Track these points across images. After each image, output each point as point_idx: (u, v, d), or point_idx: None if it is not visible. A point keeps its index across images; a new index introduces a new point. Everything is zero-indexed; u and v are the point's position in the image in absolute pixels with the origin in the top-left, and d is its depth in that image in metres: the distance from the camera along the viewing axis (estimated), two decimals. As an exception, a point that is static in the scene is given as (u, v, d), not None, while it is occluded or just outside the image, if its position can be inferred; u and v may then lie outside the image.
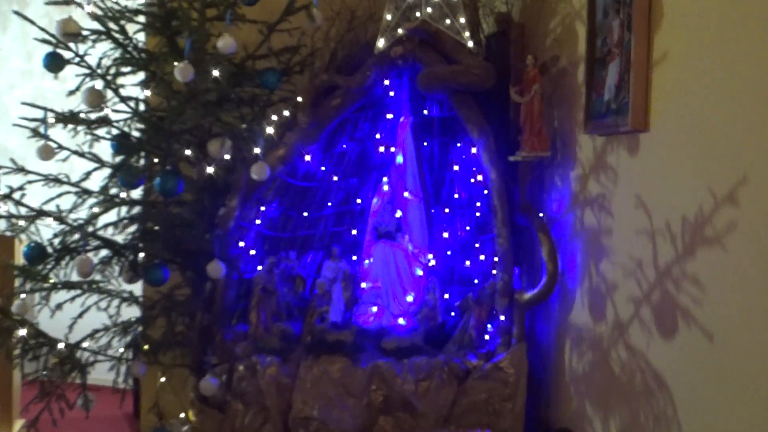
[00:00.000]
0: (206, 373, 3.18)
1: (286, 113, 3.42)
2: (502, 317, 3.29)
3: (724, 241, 2.30)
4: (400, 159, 3.71)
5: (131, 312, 3.37)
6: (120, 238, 3.27)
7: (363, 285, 3.64)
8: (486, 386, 3.19)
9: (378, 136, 3.71)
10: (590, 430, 3.07)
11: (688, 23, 2.51)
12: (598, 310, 3.04)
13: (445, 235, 3.66)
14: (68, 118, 3.15)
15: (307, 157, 3.54)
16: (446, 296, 3.57)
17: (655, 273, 2.65)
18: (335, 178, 3.70)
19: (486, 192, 3.46)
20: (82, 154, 3.22)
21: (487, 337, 3.35)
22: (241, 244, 3.46)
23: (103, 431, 4.59)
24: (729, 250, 2.29)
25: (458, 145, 3.65)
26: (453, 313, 3.54)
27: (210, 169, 3.12)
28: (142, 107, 3.27)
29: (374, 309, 3.59)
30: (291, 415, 3.16)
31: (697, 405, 2.43)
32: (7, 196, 3.11)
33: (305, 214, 3.71)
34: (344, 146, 3.72)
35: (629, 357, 2.81)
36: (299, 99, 3.43)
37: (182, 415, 3.33)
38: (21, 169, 3.17)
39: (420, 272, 3.63)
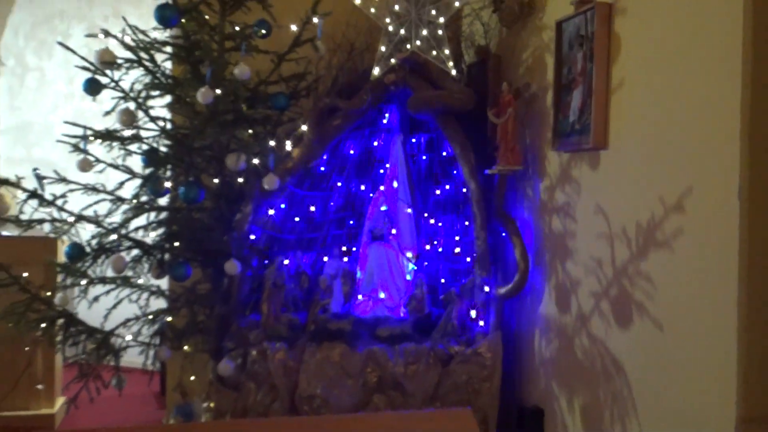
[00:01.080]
0: (223, 356, 3.17)
1: (294, 131, 3.42)
2: (481, 309, 3.29)
3: (672, 244, 2.31)
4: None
5: (158, 304, 3.36)
6: (149, 240, 3.27)
7: (359, 279, 3.63)
8: (466, 369, 3.18)
9: (373, 151, 3.70)
10: (557, 407, 3.07)
11: (641, 56, 2.52)
12: (563, 303, 3.04)
13: (431, 237, 3.65)
14: (104, 135, 3.15)
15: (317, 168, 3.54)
16: (432, 290, 3.56)
17: (612, 271, 2.66)
18: (339, 184, 3.69)
19: (466, 200, 3.46)
20: (116, 167, 3.22)
21: (467, 326, 3.34)
22: (254, 244, 3.44)
23: (133, 407, 4.58)
24: (676, 252, 2.29)
25: (442, 158, 3.64)
26: (438, 305, 3.54)
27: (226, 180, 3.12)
28: (168, 126, 3.27)
29: (369, 301, 3.58)
30: (297, 394, 3.15)
31: (649, 385, 2.43)
32: (51, 203, 3.11)
33: (310, 218, 3.69)
34: (347, 156, 3.71)
35: (590, 344, 2.80)
36: (303, 128, 3.43)
37: (203, 396, 3.32)
38: (63, 180, 3.16)
39: (409, 269, 3.62)
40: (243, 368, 3.23)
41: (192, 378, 3.40)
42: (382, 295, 3.58)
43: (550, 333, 3.15)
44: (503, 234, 3.35)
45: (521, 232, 3.26)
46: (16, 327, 3.03)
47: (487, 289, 3.30)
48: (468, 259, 3.50)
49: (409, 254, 3.62)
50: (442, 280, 3.61)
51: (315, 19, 3.22)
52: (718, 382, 2.06)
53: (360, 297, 3.56)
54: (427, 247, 3.65)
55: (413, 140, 3.72)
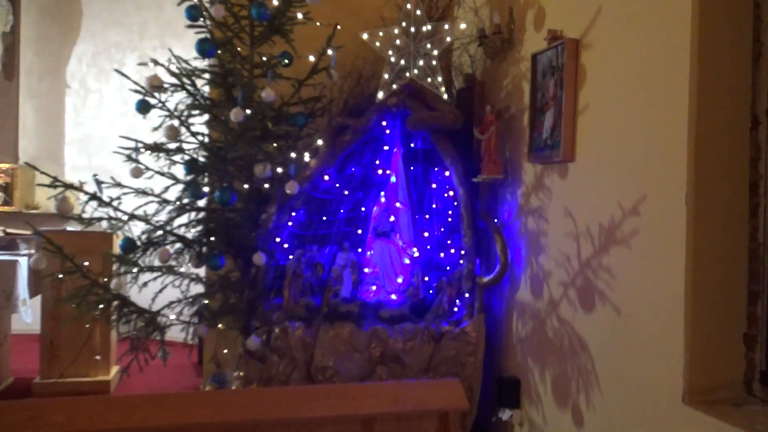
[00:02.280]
0: (251, 333, 3.16)
1: (311, 145, 3.42)
2: (467, 295, 3.27)
3: (629, 242, 2.30)
4: (393, 179, 3.68)
5: (197, 288, 3.35)
6: (189, 235, 3.26)
7: (366, 270, 3.61)
8: (455, 345, 3.17)
9: (377, 161, 3.69)
10: (531, 377, 3.06)
11: (603, 83, 2.51)
12: (537, 290, 3.03)
13: (426, 234, 3.64)
14: (153, 147, 3.14)
15: (326, 177, 3.52)
16: (426, 279, 3.55)
17: (578, 264, 2.64)
18: (346, 192, 3.67)
19: (456, 203, 3.44)
20: (162, 174, 3.21)
21: (456, 309, 3.33)
22: (278, 239, 3.43)
23: (175, 376, 4.57)
24: (632, 248, 2.28)
25: (436, 169, 3.63)
26: (431, 291, 3.53)
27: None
28: (206, 140, 3.26)
29: (374, 288, 3.57)
30: (313, 365, 3.14)
31: (609, 360, 2.42)
32: (108, 204, 3.10)
33: (324, 218, 3.68)
34: (353, 169, 3.69)
35: (559, 325, 2.79)
36: (319, 142, 3.42)
37: (235, 372, 3.31)
38: (118, 184, 3.15)
39: (407, 261, 3.61)
40: (267, 343, 3.21)
41: (225, 351, 3.39)
42: (384, 283, 3.57)
43: (526, 315, 3.14)
44: (487, 232, 3.34)
45: (502, 230, 3.25)
46: (79, 307, 3.02)
47: (472, 278, 3.28)
48: (455, 252, 3.49)
49: (409, 251, 3.61)
50: (435, 270, 3.60)
51: (329, 51, 3.22)
52: (668, 359, 2.05)
53: (374, 288, 3.55)
54: (423, 242, 3.64)
55: (411, 152, 3.70)
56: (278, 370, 3.18)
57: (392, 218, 3.67)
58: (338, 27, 3.22)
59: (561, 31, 2.77)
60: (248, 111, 2.99)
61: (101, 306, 3.08)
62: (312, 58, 3.25)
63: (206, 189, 3.15)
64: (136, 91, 3.10)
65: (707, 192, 1.99)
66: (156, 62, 3.16)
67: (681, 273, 2.00)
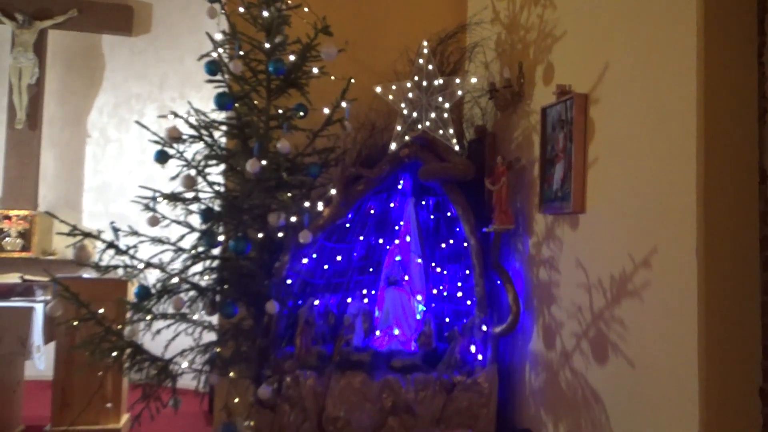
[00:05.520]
0: (262, 382, 3.13)
1: (325, 194, 3.46)
2: (479, 345, 3.25)
3: (641, 293, 2.29)
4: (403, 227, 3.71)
5: (209, 336, 3.34)
6: (203, 283, 3.27)
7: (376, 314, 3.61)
8: (467, 396, 3.13)
9: (390, 211, 3.72)
10: (545, 430, 3.00)
11: (612, 137, 2.55)
12: (549, 341, 3.00)
13: (438, 284, 3.64)
14: (170, 196, 3.18)
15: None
16: (437, 328, 3.52)
17: (591, 315, 2.63)
18: (361, 238, 3.69)
19: (467, 253, 3.45)
20: (178, 222, 3.24)
21: (468, 359, 3.29)
22: (290, 286, 3.44)
23: (186, 424, 4.52)
24: (644, 300, 2.27)
25: (447, 218, 3.65)
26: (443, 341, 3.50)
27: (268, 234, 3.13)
28: (222, 189, 3.30)
29: (386, 337, 3.55)
30: (324, 416, 3.11)
31: (623, 415, 2.38)
32: (125, 252, 3.12)
33: (336, 265, 3.69)
34: (368, 215, 3.72)
35: (573, 377, 2.76)
36: (332, 189, 3.46)
37: (245, 422, 3.27)
38: (135, 233, 3.18)
39: (420, 309, 3.59)
40: (279, 392, 3.19)
41: (236, 400, 3.35)
42: (396, 332, 3.55)
43: (539, 366, 3.10)
44: (498, 282, 3.33)
45: (513, 280, 3.24)
46: (92, 354, 3.02)
47: (484, 328, 3.27)
48: (468, 302, 3.48)
49: (420, 300, 3.60)
50: (447, 320, 3.58)
51: (343, 104, 3.27)
52: (683, 414, 2.02)
53: (378, 333, 3.53)
54: (434, 291, 3.64)
55: (423, 203, 3.73)
56: (289, 420, 3.15)
57: (399, 256, 3.67)
58: (353, 81, 3.30)
59: (569, 85, 2.82)
60: (264, 162, 3.03)
61: (114, 353, 3.07)
62: (327, 110, 3.31)
63: (221, 238, 3.17)
64: (155, 142, 3.16)
65: (718, 246, 1.99)
66: (175, 114, 3.23)
67: (694, 327, 1.99)
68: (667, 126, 2.18)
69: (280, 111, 3.27)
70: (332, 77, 3.31)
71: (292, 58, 3.23)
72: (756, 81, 2.07)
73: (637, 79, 2.37)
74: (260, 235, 3.23)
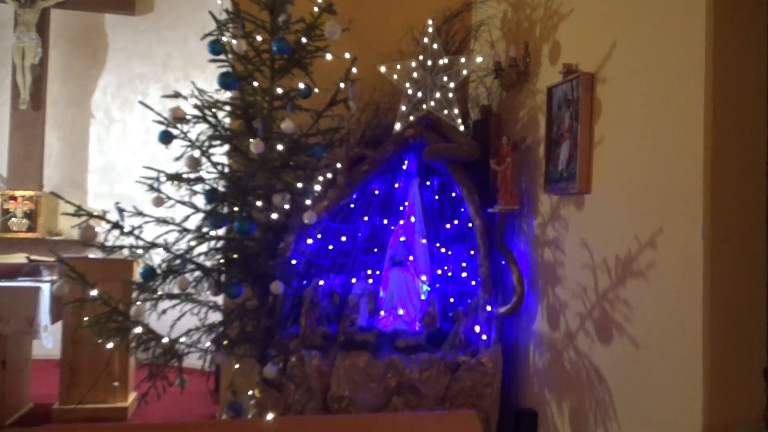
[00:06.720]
0: (268, 361, 3.16)
1: (329, 175, 3.44)
2: (484, 325, 3.26)
3: (646, 274, 2.28)
4: (408, 208, 3.71)
5: (215, 316, 3.36)
6: (208, 263, 3.28)
7: (381, 296, 3.62)
8: (471, 376, 3.14)
9: (394, 191, 3.71)
10: (548, 410, 3.02)
11: (618, 116, 2.52)
12: (553, 321, 3.01)
13: (442, 264, 3.64)
14: (174, 177, 3.17)
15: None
16: (442, 308, 3.54)
17: (595, 296, 2.63)
18: (365, 219, 3.69)
19: (472, 234, 3.45)
20: (183, 203, 3.23)
21: (472, 339, 3.31)
22: (294, 266, 3.46)
23: (192, 403, 4.56)
24: (649, 281, 2.27)
25: (452, 198, 3.65)
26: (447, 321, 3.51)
27: (274, 215, 3.13)
28: (226, 170, 3.30)
29: (390, 317, 3.57)
30: (329, 395, 3.13)
31: (627, 394, 2.39)
32: (130, 232, 3.13)
33: (341, 246, 3.70)
34: (373, 196, 3.72)
35: (577, 357, 2.77)
36: (338, 165, 3.45)
37: (250, 392, 3.30)
38: (140, 213, 3.18)
39: (425, 289, 3.60)
40: (284, 372, 3.22)
41: (241, 379, 3.38)
42: (400, 312, 3.56)
43: (543, 347, 3.11)
44: (503, 262, 3.33)
45: (518, 261, 3.24)
46: (99, 334, 3.04)
47: (489, 308, 3.27)
48: (473, 283, 3.49)
49: (425, 280, 3.61)
50: (451, 300, 3.59)
51: (346, 84, 3.25)
52: (687, 393, 2.02)
53: (382, 313, 3.54)
54: (439, 272, 3.64)
55: (428, 183, 3.72)
56: (294, 399, 3.17)
57: (403, 237, 3.68)
58: (356, 59, 3.27)
59: (576, 64, 2.79)
60: (268, 142, 3.03)
61: (121, 333, 3.09)
62: (333, 89, 3.29)
63: (226, 218, 3.17)
64: (159, 122, 3.15)
65: (724, 226, 1.98)
66: (179, 94, 3.22)
67: (699, 307, 1.99)
68: (675, 105, 2.15)
69: (284, 91, 3.24)
70: (337, 56, 3.28)
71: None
72: (765, 57, 2.04)
73: (644, 58, 2.34)
74: (265, 216, 3.23)
